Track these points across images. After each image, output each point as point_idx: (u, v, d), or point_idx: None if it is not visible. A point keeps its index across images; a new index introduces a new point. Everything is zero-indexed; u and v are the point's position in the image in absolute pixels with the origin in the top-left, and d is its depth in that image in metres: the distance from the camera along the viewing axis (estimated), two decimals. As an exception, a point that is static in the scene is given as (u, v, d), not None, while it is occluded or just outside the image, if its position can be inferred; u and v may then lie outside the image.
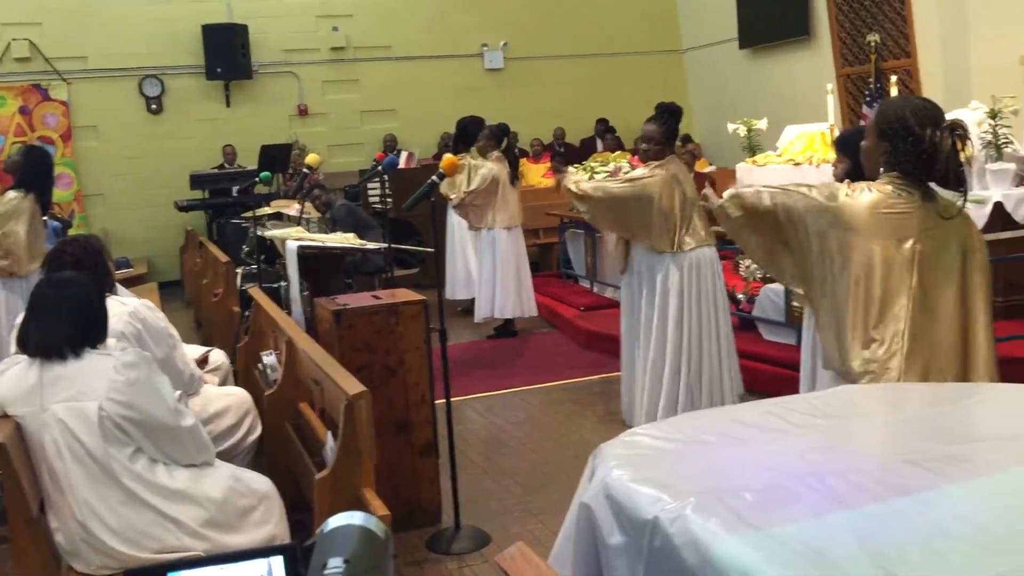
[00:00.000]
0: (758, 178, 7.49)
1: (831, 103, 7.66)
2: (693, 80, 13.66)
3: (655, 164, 4.78)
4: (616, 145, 12.17)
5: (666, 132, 4.83)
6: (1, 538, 4.06)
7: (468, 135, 7.73)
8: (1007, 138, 6.13)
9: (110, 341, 2.98)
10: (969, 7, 8.75)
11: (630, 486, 1.64)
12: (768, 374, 5.56)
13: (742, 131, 8.15)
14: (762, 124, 8.11)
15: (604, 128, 12.87)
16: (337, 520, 0.91)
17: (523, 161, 10.86)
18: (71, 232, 9.13)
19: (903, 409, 2.08)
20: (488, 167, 7.37)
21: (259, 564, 0.88)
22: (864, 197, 2.70)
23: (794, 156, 7.36)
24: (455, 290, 8.11)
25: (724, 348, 4.85)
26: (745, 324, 6.24)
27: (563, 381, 6.37)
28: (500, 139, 7.59)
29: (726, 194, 3.30)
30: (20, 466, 2.76)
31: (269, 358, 4.21)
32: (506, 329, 7.75)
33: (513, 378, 6.53)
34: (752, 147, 7.99)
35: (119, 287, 3.86)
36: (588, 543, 1.70)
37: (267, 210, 7.82)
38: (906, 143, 2.70)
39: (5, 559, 3.77)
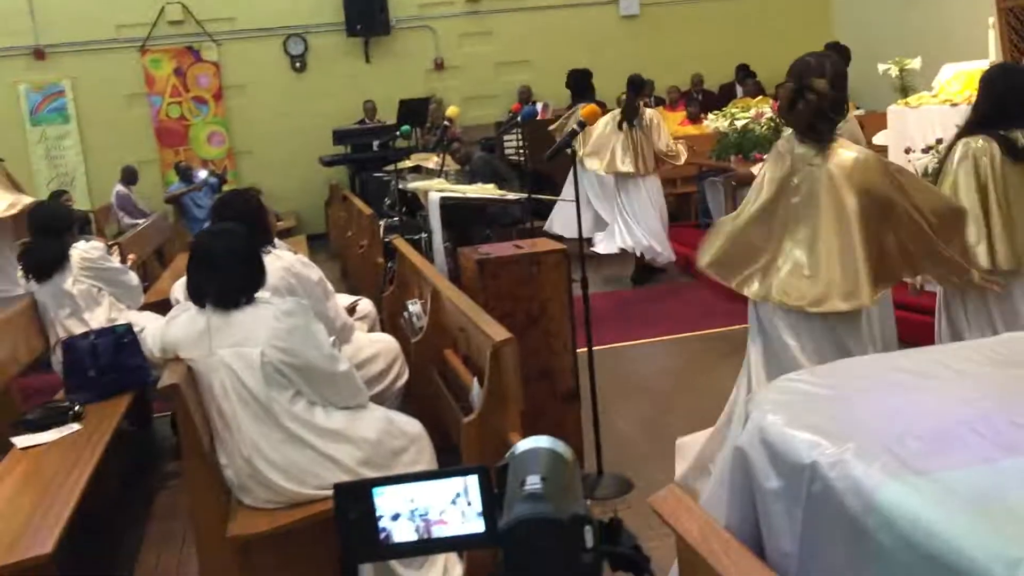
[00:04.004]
0: (912, 120, 7.12)
1: (992, 39, 7.18)
2: (840, 18, 13.04)
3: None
4: (757, 90, 11.77)
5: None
6: (176, 474, 4.38)
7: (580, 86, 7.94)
8: None
9: (265, 294, 3.12)
10: None
11: (786, 431, 1.62)
12: (916, 323, 5.34)
13: (894, 71, 7.75)
14: (916, 63, 7.68)
15: (744, 73, 12.47)
16: (526, 444, 0.95)
17: (660, 109, 10.69)
18: (225, 188, 9.58)
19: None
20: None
21: (455, 482, 0.93)
22: None
23: (951, 96, 6.95)
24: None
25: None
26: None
27: (702, 331, 6.31)
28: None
29: None
30: (193, 405, 2.95)
31: (414, 307, 4.33)
32: (646, 274, 7.78)
33: (652, 328, 6.51)
34: (905, 88, 7.59)
35: (277, 241, 4.03)
36: (743, 487, 1.69)
37: (407, 163, 7.98)
38: None
39: (180, 492, 4.08)
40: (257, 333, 2.94)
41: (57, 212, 4.84)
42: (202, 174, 10.65)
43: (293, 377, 2.97)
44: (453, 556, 3.07)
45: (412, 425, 3.22)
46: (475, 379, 3.33)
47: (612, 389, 5.21)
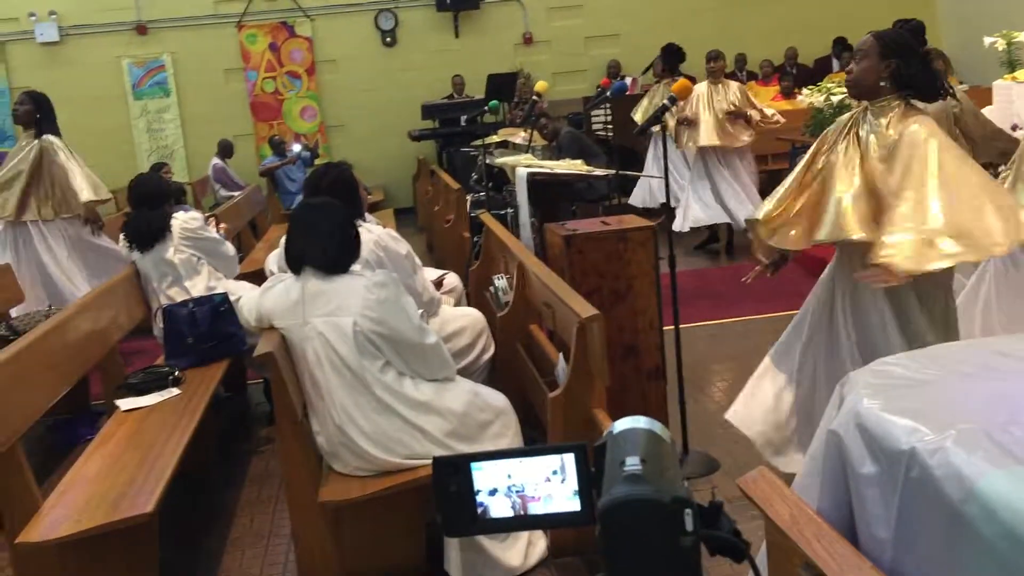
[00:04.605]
0: (1017, 95, 6.83)
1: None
2: (943, -11, 12.54)
3: None
4: (854, 64, 11.42)
5: None
6: (269, 439, 4.52)
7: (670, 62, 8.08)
8: None
9: (356, 266, 3.18)
10: None
11: (883, 416, 1.58)
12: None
13: (1000, 45, 7.43)
14: (1024, 36, 7.37)
15: (842, 47, 12.09)
16: (624, 423, 0.96)
17: (751, 84, 10.49)
18: (317, 162, 9.76)
19: None
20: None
21: (552, 460, 0.94)
22: None
23: (1061, 71, 6.66)
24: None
25: None
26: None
27: (792, 311, 6.17)
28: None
29: None
30: (286, 373, 3.03)
31: (500, 281, 4.36)
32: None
33: (739, 307, 6.41)
34: (1012, 62, 7.28)
35: (367, 215, 4.10)
36: (836, 472, 1.67)
37: (494, 138, 8.00)
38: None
39: (273, 458, 4.20)
40: (349, 303, 3.01)
41: (155, 184, 5.00)
42: (295, 148, 10.87)
43: (383, 347, 3.03)
44: (538, 531, 3.10)
45: (498, 399, 3.26)
46: (561, 355, 3.34)
47: (697, 368, 5.17)
